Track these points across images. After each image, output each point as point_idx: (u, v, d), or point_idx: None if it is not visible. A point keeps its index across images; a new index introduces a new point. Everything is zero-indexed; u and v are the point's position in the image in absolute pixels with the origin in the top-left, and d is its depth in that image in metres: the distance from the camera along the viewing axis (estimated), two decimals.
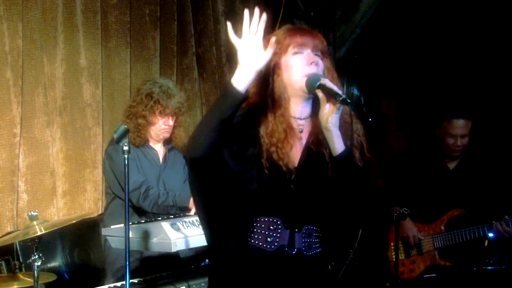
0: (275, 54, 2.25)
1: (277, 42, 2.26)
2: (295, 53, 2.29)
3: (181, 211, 3.69)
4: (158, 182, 3.88)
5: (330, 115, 2.23)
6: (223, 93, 2.17)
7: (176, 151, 4.04)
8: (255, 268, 2.29)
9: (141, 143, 3.85)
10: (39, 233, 3.06)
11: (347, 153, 2.26)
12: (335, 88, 2.22)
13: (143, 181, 3.73)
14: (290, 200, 2.30)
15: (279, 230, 2.28)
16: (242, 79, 2.11)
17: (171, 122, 3.88)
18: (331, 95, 2.22)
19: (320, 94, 2.23)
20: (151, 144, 3.94)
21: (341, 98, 2.18)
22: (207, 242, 2.35)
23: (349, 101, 2.18)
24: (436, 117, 4.64)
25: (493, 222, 4.24)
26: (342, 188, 2.28)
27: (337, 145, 2.26)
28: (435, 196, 4.48)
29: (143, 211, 3.72)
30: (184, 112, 3.97)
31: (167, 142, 4.00)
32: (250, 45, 2.11)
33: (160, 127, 3.86)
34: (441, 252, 4.40)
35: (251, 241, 2.29)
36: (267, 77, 2.29)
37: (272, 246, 2.28)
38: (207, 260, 3.69)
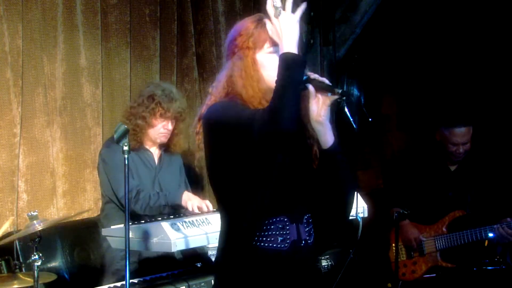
0: (248, 48, 2.25)
1: (251, 35, 2.26)
2: (270, 52, 2.26)
3: (174, 209, 3.69)
4: (153, 184, 3.87)
5: (321, 108, 2.23)
6: (286, 65, 2.11)
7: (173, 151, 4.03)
8: (273, 270, 2.27)
9: (136, 146, 3.80)
10: (39, 229, 3.06)
11: (338, 145, 2.27)
12: (326, 81, 2.22)
13: (135, 185, 3.72)
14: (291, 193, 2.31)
15: (287, 227, 2.28)
16: (293, 43, 2.13)
17: (170, 127, 3.86)
18: (323, 89, 2.22)
19: (310, 88, 2.23)
20: (146, 146, 3.92)
21: (340, 91, 2.18)
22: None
23: (344, 91, 2.19)
24: (436, 120, 4.64)
25: (494, 225, 4.23)
26: (333, 179, 2.29)
27: (329, 137, 2.26)
28: (436, 197, 4.47)
29: (137, 215, 3.70)
30: (184, 119, 3.95)
31: (163, 144, 3.98)
32: (291, 17, 2.15)
33: (159, 130, 3.84)
34: (443, 254, 4.40)
35: (264, 245, 2.26)
36: (249, 72, 2.26)
37: (286, 244, 2.28)
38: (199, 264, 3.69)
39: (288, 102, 2.08)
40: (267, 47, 2.27)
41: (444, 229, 4.41)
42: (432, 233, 4.44)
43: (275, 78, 2.16)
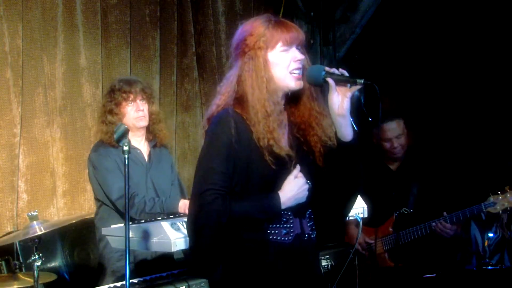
0: (260, 49, 2.28)
1: (263, 35, 2.28)
2: (283, 50, 2.30)
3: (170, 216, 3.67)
4: (146, 183, 3.83)
5: (343, 100, 2.28)
6: (264, 208, 2.28)
7: (161, 147, 4.00)
8: (277, 262, 2.30)
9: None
10: (39, 233, 3.06)
11: (357, 138, 2.33)
12: (345, 73, 2.27)
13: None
14: None
15: (291, 221, 2.33)
16: (291, 198, 2.30)
17: (142, 107, 3.77)
18: (343, 81, 2.26)
19: (331, 82, 2.26)
20: (133, 144, 3.87)
21: (362, 81, 2.23)
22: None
23: (368, 81, 2.24)
24: (369, 123, 4.63)
25: (432, 222, 4.20)
26: (347, 173, 2.36)
27: (349, 130, 2.33)
28: (380, 199, 4.46)
29: (130, 217, 3.67)
30: (153, 100, 3.86)
31: (149, 139, 3.94)
32: (300, 182, 2.31)
33: (133, 115, 3.74)
34: (391, 254, 4.40)
35: (269, 237, 2.30)
36: (260, 72, 2.29)
37: (289, 237, 2.32)
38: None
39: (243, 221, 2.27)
40: (279, 46, 2.30)
41: (390, 229, 4.41)
42: (379, 234, 4.43)
43: (284, 74, 2.28)
